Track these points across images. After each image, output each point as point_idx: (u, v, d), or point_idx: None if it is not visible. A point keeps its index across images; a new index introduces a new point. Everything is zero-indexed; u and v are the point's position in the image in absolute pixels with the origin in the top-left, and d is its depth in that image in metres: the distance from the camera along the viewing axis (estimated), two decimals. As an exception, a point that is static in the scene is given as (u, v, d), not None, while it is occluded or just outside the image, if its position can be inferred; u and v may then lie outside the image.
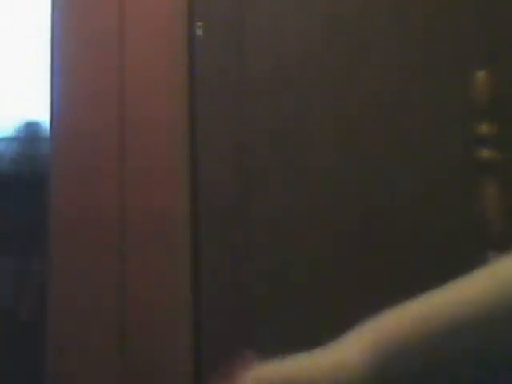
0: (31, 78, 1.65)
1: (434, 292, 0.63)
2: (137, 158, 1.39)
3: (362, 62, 1.37)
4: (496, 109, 1.32)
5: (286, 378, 0.61)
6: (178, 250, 1.35)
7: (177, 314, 1.32)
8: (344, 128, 1.35)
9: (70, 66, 1.44)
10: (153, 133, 1.39)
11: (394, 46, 1.36)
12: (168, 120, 1.39)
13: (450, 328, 0.59)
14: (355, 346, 0.61)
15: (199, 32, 1.43)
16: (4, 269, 1.59)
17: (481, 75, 1.33)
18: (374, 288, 1.29)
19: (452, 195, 1.32)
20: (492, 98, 1.32)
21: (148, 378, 1.30)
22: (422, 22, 1.36)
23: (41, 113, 1.64)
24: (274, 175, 1.36)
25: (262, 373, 0.62)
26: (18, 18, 1.68)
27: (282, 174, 1.36)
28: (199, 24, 1.43)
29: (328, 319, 1.30)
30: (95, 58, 1.43)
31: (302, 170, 1.35)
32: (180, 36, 1.43)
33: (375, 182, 1.33)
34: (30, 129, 1.67)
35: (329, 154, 1.35)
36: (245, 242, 1.35)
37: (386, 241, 1.31)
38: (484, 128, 1.31)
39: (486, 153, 1.31)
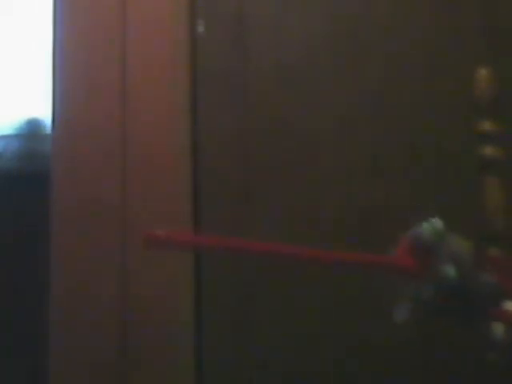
0: (33, 74, 1.65)
1: None
2: (139, 155, 1.39)
3: (364, 60, 1.37)
4: (499, 106, 1.31)
5: None
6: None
7: (177, 313, 1.33)
8: (345, 127, 1.35)
9: (72, 62, 1.44)
10: (155, 129, 1.38)
11: (396, 43, 1.36)
12: (170, 117, 1.39)
13: None
14: None
15: (201, 29, 1.43)
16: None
17: (483, 72, 1.32)
18: (373, 286, 1.29)
19: (454, 193, 1.31)
20: (495, 95, 1.32)
21: (148, 378, 1.31)
22: (423, 19, 1.36)
23: (43, 110, 1.64)
24: (275, 174, 1.36)
25: None
26: (20, 15, 1.68)
27: (283, 173, 1.36)
28: (201, 21, 1.43)
29: (327, 316, 1.30)
30: (97, 54, 1.43)
31: (302, 169, 1.35)
32: (181, 33, 1.43)
33: (375, 181, 1.33)
34: (32, 126, 1.67)
35: (329, 153, 1.35)
36: (245, 239, 1.34)
37: (386, 240, 1.31)
38: (487, 125, 1.30)
39: (488, 150, 1.30)
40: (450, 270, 0.67)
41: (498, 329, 0.64)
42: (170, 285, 1.33)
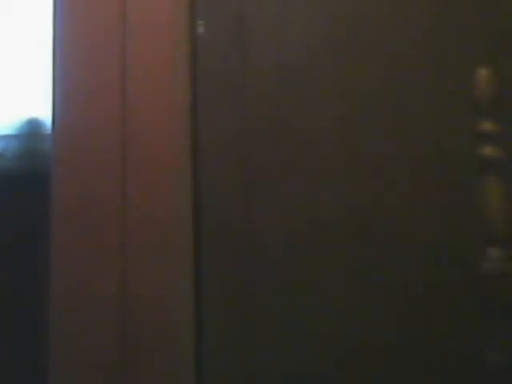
0: (33, 74, 1.65)
1: None
2: (139, 155, 1.39)
3: (364, 60, 1.37)
4: (499, 106, 1.31)
5: None
6: (179, 248, 1.35)
7: (177, 313, 1.33)
8: (345, 127, 1.35)
9: (72, 62, 1.44)
10: (155, 129, 1.38)
11: (396, 43, 1.36)
12: (170, 117, 1.39)
13: None
14: None
15: (201, 29, 1.43)
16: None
17: (483, 72, 1.32)
18: (373, 286, 1.29)
19: (454, 193, 1.31)
20: (495, 95, 1.32)
21: (148, 378, 1.31)
22: (423, 19, 1.36)
23: (43, 110, 1.64)
24: (275, 174, 1.36)
25: None
26: (20, 14, 1.68)
27: (283, 173, 1.36)
28: (201, 21, 1.43)
29: (327, 316, 1.30)
30: (97, 54, 1.43)
31: (302, 169, 1.35)
32: (181, 33, 1.43)
33: (376, 180, 1.33)
34: (32, 126, 1.67)
35: (329, 153, 1.35)
36: (245, 239, 1.35)
37: (386, 239, 1.31)
38: (487, 125, 1.31)
39: (488, 150, 1.30)
40: None
41: None
42: (170, 285, 1.33)
